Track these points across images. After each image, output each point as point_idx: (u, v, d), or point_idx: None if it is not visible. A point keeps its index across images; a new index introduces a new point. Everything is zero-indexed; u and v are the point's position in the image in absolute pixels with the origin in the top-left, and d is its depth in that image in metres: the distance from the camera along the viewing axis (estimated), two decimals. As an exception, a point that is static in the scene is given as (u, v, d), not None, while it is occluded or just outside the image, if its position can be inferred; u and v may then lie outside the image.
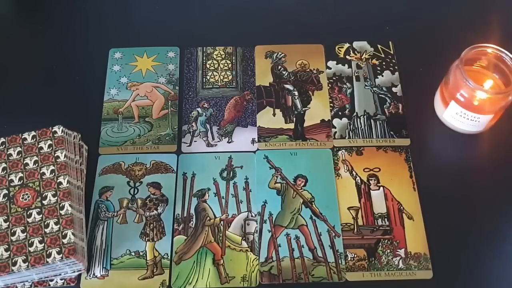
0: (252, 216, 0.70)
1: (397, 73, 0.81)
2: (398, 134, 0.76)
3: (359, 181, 0.73)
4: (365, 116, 0.78)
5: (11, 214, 0.64)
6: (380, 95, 0.80)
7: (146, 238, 0.69)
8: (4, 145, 0.68)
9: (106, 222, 0.70)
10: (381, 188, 0.72)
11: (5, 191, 0.65)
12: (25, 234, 0.63)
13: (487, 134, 0.76)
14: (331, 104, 0.79)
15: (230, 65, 0.82)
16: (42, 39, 0.85)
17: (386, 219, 0.70)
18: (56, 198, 0.64)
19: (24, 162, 0.67)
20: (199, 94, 0.80)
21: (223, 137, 0.76)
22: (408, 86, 0.80)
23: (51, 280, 0.66)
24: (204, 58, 0.83)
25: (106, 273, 0.67)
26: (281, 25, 0.86)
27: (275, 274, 0.67)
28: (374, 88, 0.80)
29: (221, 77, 0.81)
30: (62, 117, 0.72)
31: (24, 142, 0.68)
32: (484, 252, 0.68)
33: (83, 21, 0.87)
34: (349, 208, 0.71)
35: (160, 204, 0.71)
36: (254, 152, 0.75)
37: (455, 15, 0.87)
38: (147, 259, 0.68)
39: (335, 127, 0.77)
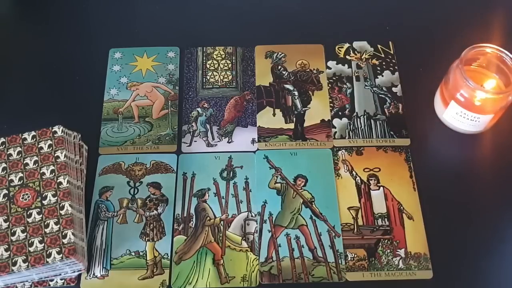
0: (252, 216, 0.70)
1: (397, 73, 0.81)
2: (398, 134, 0.76)
3: (359, 181, 0.73)
4: (365, 116, 0.78)
5: (11, 214, 0.64)
6: (380, 95, 0.80)
7: (146, 238, 0.69)
8: (4, 145, 0.68)
9: (106, 222, 0.70)
10: (381, 188, 0.72)
11: (5, 191, 0.65)
12: (25, 234, 0.63)
13: (487, 134, 0.76)
14: (331, 104, 0.79)
15: (230, 65, 0.82)
16: (42, 39, 0.85)
17: (386, 219, 0.70)
18: (56, 198, 0.64)
19: (24, 162, 0.67)
20: (199, 94, 0.80)
21: (223, 137, 0.76)
22: (408, 86, 0.80)
23: (51, 280, 0.66)
24: (204, 58, 0.83)
25: (106, 273, 0.67)
26: (281, 25, 0.86)
27: (275, 274, 0.67)
28: (374, 88, 0.80)
29: (221, 77, 0.81)
30: (62, 117, 0.72)
31: (24, 142, 0.68)
32: (484, 252, 0.68)
33: (83, 21, 0.87)
34: (349, 208, 0.71)
35: (160, 204, 0.71)
36: (254, 152, 0.75)
37: (455, 15, 0.87)
38: (147, 259, 0.68)
39: (335, 127, 0.77)
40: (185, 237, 0.69)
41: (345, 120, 0.77)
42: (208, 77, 0.81)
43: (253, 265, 0.67)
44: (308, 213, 0.70)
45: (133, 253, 0.68)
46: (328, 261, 0.67)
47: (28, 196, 0.65)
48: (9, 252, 0.62)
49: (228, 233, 0.69)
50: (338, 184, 0.72)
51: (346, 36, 0.85)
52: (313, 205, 0.71)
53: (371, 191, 0.72)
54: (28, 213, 0.64)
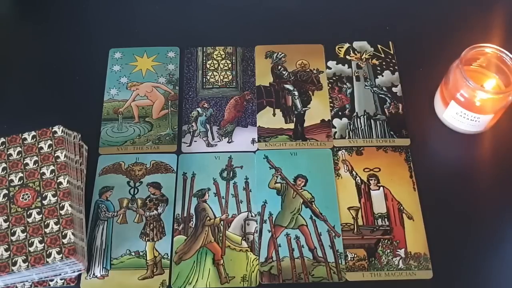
0: (252, 216, 0.70)
1: (397, 73, 0.81)
2: (398, 134, 0.76)
3: (359, 181, 0.73)
4: (365, 116, 0.78)
5: (11, 214, 0.64)
6: (380, 95, 0.80)
7: (146, 238, 0.69)
8: (4, 145, 0.68)
9: (106, 222, 0.70)
10: (381, 188, 0.72)
11: (5, 191, 0.65)
12: (25, 234, 0.63)
13: (487, 134, 0.76)
14: (331, 104, 0.79)
15: (230, 65, 0.82)
16: (42, 39, 0.85)
17: (386, 219, 0.70)
18: (56, 198, 0.64)
19: (24, 162, 0.67)
20: (199, 94, 0.80)
21: (223, 137, 0.76)
22: (408, 86, 0.80)
23: (51, 280, 0.66)
24: (204, 58, 0.83)
25: (106, 273, 0.67)
26: (281, 25, 0.86)
27: (275, 274, 0.67)
28: (374, 88, 0.80)
29: (221, 77, 0.81)
30: (62, 117, 0.72)
31: (24, 142, 0.68)
32: (484, 252, 0.68)
33: (83, 21, 0.87)
34: (349, 208, 0.71)
35: (160, 204, 0.71)
36: (254, 152, 0.75)
37: (455, 15, 0.87)
38: (147, 259, 0.68)
39: (335, 127, 0.77)
40: (185, 237, 0.69)
41: (345, 120, 0.77)
42: (208, 77, 0.81)
43: (253, 265, 0.67)
44: (308, 213, 0.70)
45: (133, 253, 0.68)
46: (328, 261, 0.67)
47: (28, 196, 0.65)
48: (9, 252, 0.62)
49: (228, 233, 0.69)
50: (338, 184, 0.72)
51: (346, 36, 0.85)
52: (313, 205, 0.71)
53: (371, 191, 0.72)
54: (28, 213, 0.64)
